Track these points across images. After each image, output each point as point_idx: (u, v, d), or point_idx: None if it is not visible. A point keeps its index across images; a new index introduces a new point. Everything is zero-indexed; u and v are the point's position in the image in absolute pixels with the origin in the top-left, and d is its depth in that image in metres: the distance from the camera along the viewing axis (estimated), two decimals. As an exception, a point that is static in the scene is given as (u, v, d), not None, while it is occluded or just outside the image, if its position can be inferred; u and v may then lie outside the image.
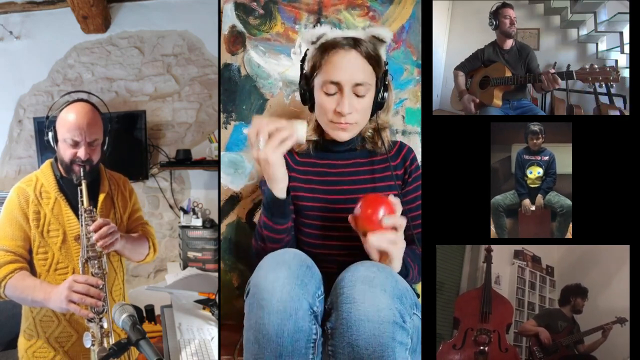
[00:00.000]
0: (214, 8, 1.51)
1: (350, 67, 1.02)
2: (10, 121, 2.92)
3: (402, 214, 1.09)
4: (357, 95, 1.03)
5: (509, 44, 1.30)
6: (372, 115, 1.08)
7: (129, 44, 2.88)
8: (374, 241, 0.89)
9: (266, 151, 0.91)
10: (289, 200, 1.00)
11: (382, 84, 1.06)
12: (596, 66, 1.16)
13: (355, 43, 1.02)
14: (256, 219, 1.45)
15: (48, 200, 1.35)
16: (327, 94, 1.03)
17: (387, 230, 0.89)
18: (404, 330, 0.80)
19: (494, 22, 1.28)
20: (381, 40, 1.05)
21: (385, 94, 1.07)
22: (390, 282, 0.82)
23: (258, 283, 0.83)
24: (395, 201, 0.91)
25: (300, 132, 0.94)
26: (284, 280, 0.82)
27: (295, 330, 0.80)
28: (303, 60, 1.11)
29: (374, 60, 1.03)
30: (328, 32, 1.06)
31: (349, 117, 1.03)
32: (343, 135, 1.06)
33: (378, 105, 1.07)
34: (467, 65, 1.34)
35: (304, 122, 0.95)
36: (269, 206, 1.00)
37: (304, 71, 1.10)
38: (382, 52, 1.07)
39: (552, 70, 1.23)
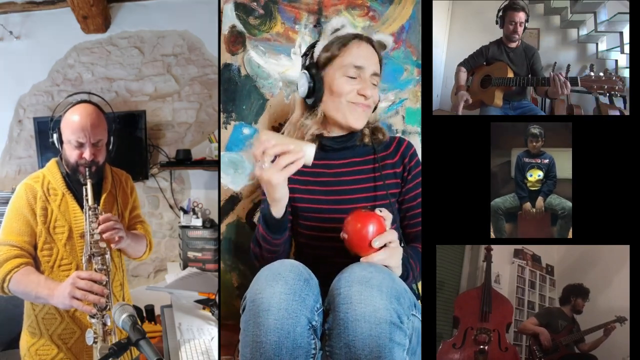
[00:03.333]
0: (214, 8, 1.51)
1: (370, 58, 1.09)
2: (10, 121, 2.92)
3: (403, 212, 1.09)
4: (372, 85, 1.09)
5: (514, 43, 1.29)
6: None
7: (129, 44, 2.88)
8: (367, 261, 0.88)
9: (270, 173, 0.89)
10: (286, 216, 1.01)
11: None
12: (602, 74, 1.14)
13: (370, 39, 1.12)
14: (256, 219, 1.45)
15: (55, 196, 1.36)
16: (349, 80, 1.07)
17: (379, 250, 0.88)
18: (401, 330, 0.80)
19: (499, 22, 1.27)
20: (383, 46, 1.14)
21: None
22: (387, 283, 0.81)
23: (254, 299, 0.82)
24: (385, 215, 0.90)
25: (308, 155, 0.91)
26: (280, 297, 0.80)
27: (293, 347, 0.78)
28: (309, 52, 1.12)
29: (380, 60, 1.12)
30: (347, 24, 1.14)
31: (371, 101, 1.09)
32: (360, 121, 1.09)
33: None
34: (471, 62, 1.33)
35: (313, 145, 0.92)
36: (266, 221, 1.01)
37: (317, 60, 1.10)
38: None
39: (564, 74, 1.20)
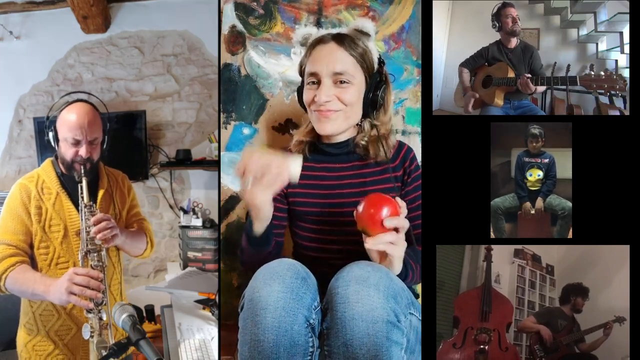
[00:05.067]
0: (214, 8, 1.51)
1: (327, 58, 1.02)
2: (10, 121, 2.92)
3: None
4: (339, 84, 1.02)
5: (513, 43, 1.29)
6: (365, 113, 1.06)
7: (129, 44, 2.88)
8: (372, 244, 0.86)
9: (252, 193, 0.88)
10: (268, 233, 0.99)
11: (374, 81, 1.04)
12: (602, 73, 1.14)
13: (335, 36, 1.04)
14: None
15: (49, 195, 1.38)
16: (310, 88, 1.05)
17: (388, 232, 0.86)
18: (398, 329, 0.80)
19: (497, 24, 1.27)
20: (365, 33, 1.04)
21: (379, 92, 1.04)
22: (384, 282, 0.81)
23: (252, 298, 0.82)
24: (400, 203, 0.89)
25: (293, 169, 0.89)
26: (278, 295, 0.80)
27: (291, 345, 0.78)
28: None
29: (357, 53, 1.03)
30: (314, 32, 1.09)
31: (329, 105, 1.02)
32: (327, 126, 1.04)
33: (371, 103, 1.05)
34: (472, 63, 1.33)
35: (299, 158, 0.91)
36: (248, 236, 1.00)
37: (300, 73, 1.13)
38: (371, 45, 1.06)
39: (528, 75, 1.23)
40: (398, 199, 0.89)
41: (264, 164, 0.87)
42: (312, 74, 1.04)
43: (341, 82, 1.02)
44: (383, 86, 1.05)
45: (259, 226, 0.97)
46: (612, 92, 1.13)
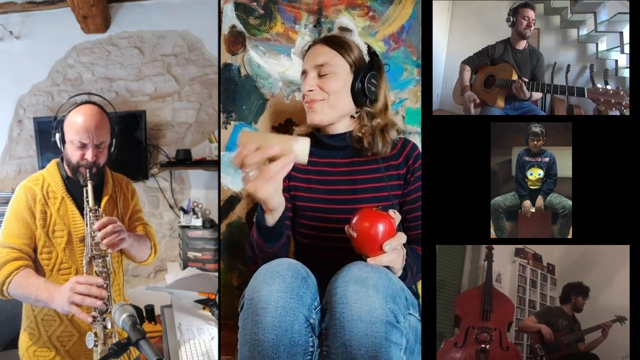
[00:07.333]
0: (214, 8, 1.51)
1: (313, 55, 1.10)
2: (10, 121, 2.92)
3: (404, 214, 1.08)
4: (323, 75, 1.07)
5: (522, 44, 1.28)
6: (357, 103, 1.07)
7: (129, 44, 2.88)
8: (374, 262, 0.86)
9: (257, 185, 0.83)
10: (281, 225, 0.95)
11: (361, 69, 1.06)
12: (609, 87, 1.13)
13: (323, 38, 1.14)
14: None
15: (55, 200, 1.35)
16: (303, 83, 1.11)
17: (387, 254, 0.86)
18: (397, 330, 0.80)
19: (512, 19, 1.25)
20: (346, 29, 1.13)
21: (365, 80, 1.04)
22: (383, 282, 0.81)
23: (252, 297, 0.82)
24: (394, 215, 0.88)
25: (301, 152, 0.82)
26: (278, 295, 0.80)
27: (291, 345, 0.78)
28: None
29: (339, 46, 1.08)
30: (310, 41, 1.16)
31: (312, 94, 1.07)
32: (314, 116, 1.08)
33: (360, 92, 1.05)
34: (476, 60, 1.32)
35: (306, 140, 0.84)
36: (259, 228, 0.97)
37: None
38: (355, 39, 1.11)
39: (525, 80, 1.24)
40: (391, 212, 0.88)
41: (265, 151, 0.82)
42: (303, 72, 1.12)
43: (324, 73, 1.07)
44: (370, 74, 1.06)
45: (271, 218, 0.93)
46: (618, 107, 1.12)
